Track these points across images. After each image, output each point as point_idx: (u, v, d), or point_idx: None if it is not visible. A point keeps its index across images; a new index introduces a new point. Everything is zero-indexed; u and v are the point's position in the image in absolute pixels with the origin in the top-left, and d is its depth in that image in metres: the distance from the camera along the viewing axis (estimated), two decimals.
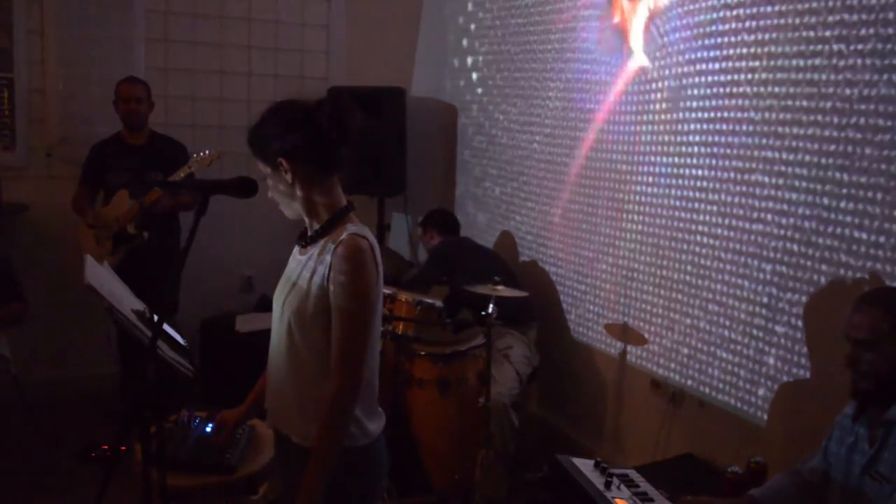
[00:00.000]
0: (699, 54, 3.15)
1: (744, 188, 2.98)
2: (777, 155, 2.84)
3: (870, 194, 2.52)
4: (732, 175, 3.03)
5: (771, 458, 2.67)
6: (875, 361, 1.92)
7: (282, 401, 1.94)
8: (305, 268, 1.86)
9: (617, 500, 2.43)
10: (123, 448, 3.30)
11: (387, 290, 3.56)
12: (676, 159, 3.30)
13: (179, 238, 4.06)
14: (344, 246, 1.79)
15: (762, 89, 2.88)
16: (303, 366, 1.86)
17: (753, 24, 2.91)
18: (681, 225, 3.29)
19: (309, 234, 1.91)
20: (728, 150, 3.04)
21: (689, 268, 3.26)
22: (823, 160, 2.67)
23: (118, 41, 4.43)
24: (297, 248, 1.95)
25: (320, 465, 1.78)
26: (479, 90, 4.73)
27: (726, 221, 3.06)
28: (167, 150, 4.02)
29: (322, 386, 1.81)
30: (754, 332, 2.96)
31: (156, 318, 2.29)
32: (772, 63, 2.84)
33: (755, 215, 2.94)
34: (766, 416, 2.92)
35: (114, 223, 3.81)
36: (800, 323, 2.78)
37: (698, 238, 3.20)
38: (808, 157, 2.73)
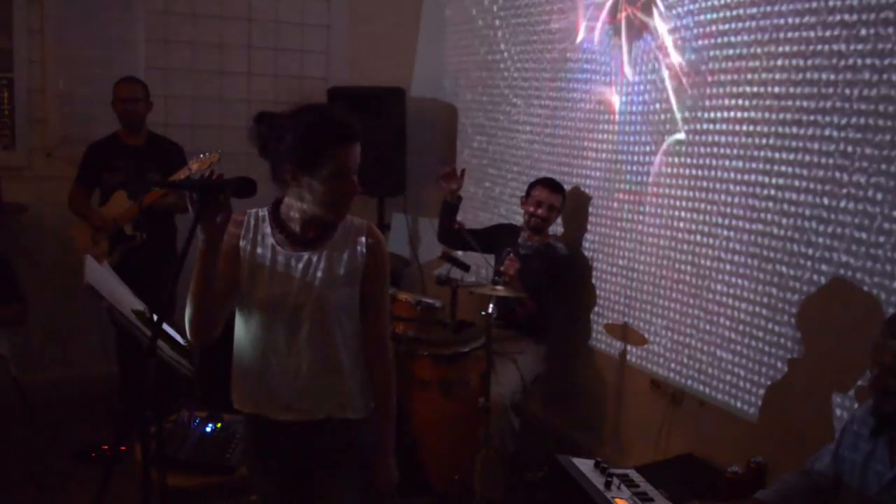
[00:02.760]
0: (699, 54, 3.15)
1: (744, 188, 2.98)
2: (777, 155, 2.84)
3: (870, 194, 2.52)
4: (732, 175, 3.03)
5: (771, 458, 2.67)
6: None
7: (303, 392, 1.97)
8: (329, 260, 1.94)
9: (617, 500, 2.43)
10: (123, 448, 3.30)
11: None
12: (676, 159, 3.30)
13: (176, 239, 4.06)
14: (376, 237, 2.02)
15: (762, 89, 2.88)
16: (343, 349, 1.97)
17: (753, 24, 2.91)
18: (681, 225, 3.29)
19: (308, 233, 1.96)
20: (728, 151, 3.04)
21: (689, 268, 3.26)
22: (823, 160, 2.67)
23: (118, 41, 4.44)
24: (280, 247, 1.96)
25: (390, 428, 2.07)
26: (479, 90, 4.73)
27: (726, 221, 3.06)
28: (164, 150, 4.01)
29: (357, 360, 2.01)
30: (754, 332, 2.96)
31: (155, 318, 2.30)
32: (772, 63, 2.84)
33: (755, 215, 2.94)
34: (766, 416, 2.92)
35: (111, 223, 3.81)
36: (800, 322, 2.78)
37: (698, 238, 3.20)
38: (808, 157, 2.73)
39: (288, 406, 1.98)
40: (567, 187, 3.88)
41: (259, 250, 1.96)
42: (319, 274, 1.94)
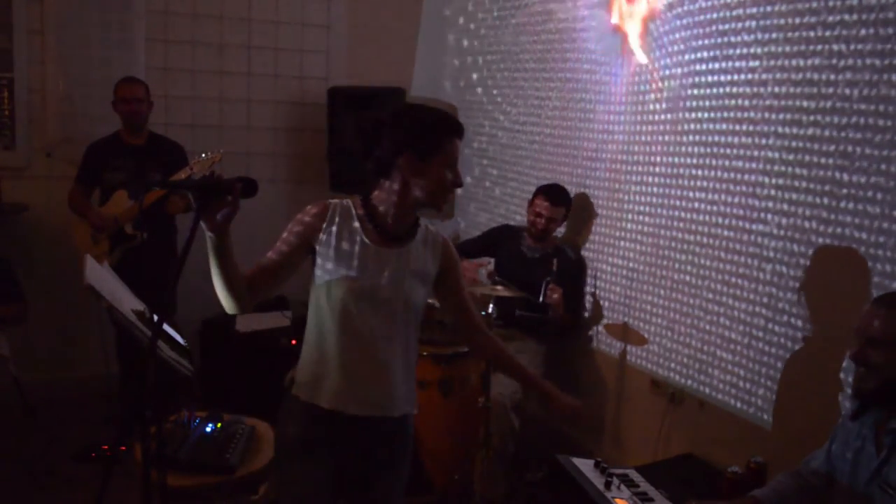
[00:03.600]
0: (699, 54, 3.15)
1: (744, 188, 2.98)
2: (777, 155, 2.84)
3: (870, 194, 2.52)
4: (732, 175, 3.03)
5: (771, 458, 2.67)
6: (883, 362, 1.89)
7: (388, 387, 2.02)
8: (412, 259, 2.02)
9: (617, 500, 2.43)
10: (123, 448, 3.30)
11: None
12: (676, 159, 3.30)
13: (176, 238, 4.06)
14: (448, 241, 2.13)
15: (762, 89, 2.88)
16: (415, 345, 2.09)
17: (753, 24, 2.91)
18: (681, 225, 3.29)
19: (400, 226, 2.02)
20: (728, 150, 3.04)
21: (689, 268, 3.26)
22: (823, 160, 2.68)
23: (118, 41, 4.43)
24: (370, 241, 1.98)
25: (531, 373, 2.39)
26: (479, 90, 4.73)
27: (726, 221, 3.07)
28: (165, 150, 4.02)
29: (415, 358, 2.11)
30: (754, 332, 2.96)
31: (155, 318, 2.30)
32: (772, 63, 2.84)
33: (755, 215, 2.94)
34: (766, 416, 2.92)
35: (112, 223, 3.81)
36: (800, 323, 2.78)
37: (698, 238, 3.20)
38: (808, 157, 2.73)
39: (373, 401, 2.01)
40: (568, 188, 3.89)
41: (346, 242, 1.97)
42: (408, 270, 2.00)
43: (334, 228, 1.98)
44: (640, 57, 3.47)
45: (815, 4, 2.69)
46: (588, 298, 3.84)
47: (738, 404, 3.04)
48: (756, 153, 2.92)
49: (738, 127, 2.99)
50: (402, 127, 1.95)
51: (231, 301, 1.92)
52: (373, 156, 1.97)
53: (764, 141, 2.89)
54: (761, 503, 2.15)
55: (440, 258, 2.09)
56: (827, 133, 2.66)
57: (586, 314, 3.84)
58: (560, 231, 3.99)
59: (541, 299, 3.44)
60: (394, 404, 2.04)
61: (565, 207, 3.72)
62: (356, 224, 1.99)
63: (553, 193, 3.70)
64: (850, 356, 1.98)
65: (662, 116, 3.36)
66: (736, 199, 3.02)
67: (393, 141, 1.94)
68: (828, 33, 2.64)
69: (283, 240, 1.99)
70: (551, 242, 3.76)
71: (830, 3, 2.63)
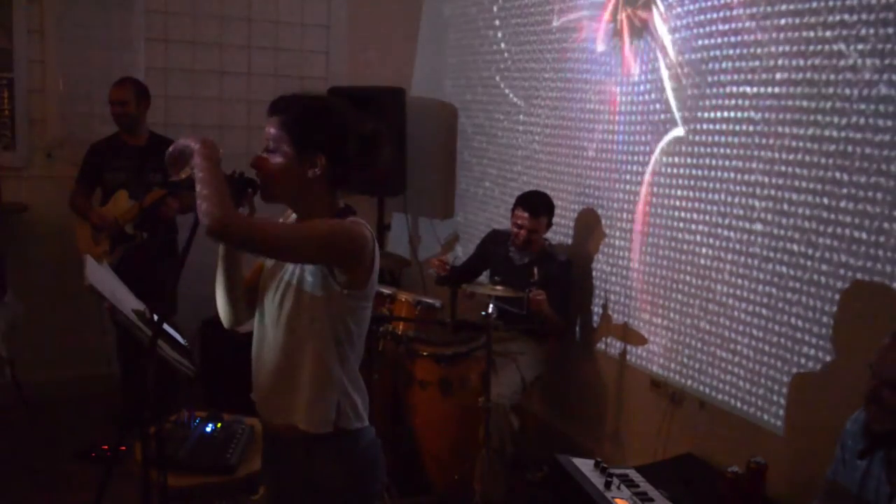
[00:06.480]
0: (699, 54, 3.15)
1: (744, 188, 2.98)
2: (777, 155, 2.84)
3: (870, 194, 2.52)
4: (732, 175, 3.03)
5: (771, 458, 2.67)
6: None
7: (287, 396, 1.90)
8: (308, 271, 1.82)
9: (617, 500, 2.43)
10: (123, 448, 3.30)
11: (387, 290, 3.57)
12: (676, 159, 3.30)
13: (177, 238, 4.07)
14: None
15: (762, 89, 2.88)
16: (313, 356, 1.84)
17: (753, 24, 2.91)
18: (681, 225, 3.29)
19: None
20: (728, 150, 3.04)
21: (689, 268, 3.26)
22: (823, 160, 2.68)
23: (118, 41, 4.44)
24: None
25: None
26: (479, 90, 4.73)
27: (726, 221, 3.07)
28: (165, 150, 4.00)
29: (330, 365, 1.83)
30: (754, 332, 2.96)
31: (156, 318, 2.30)
32: (772, 63, 2.84)
33: (755, 215, 2.94)
34: (766, 416, 2.92)
35: (112, 223, 3.81)
36: (800, 323, 2.78)
37: (698, 238, 3.20)
38: (808, 157, 2.73)
39: (259, 403, 1.99)
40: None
41: None
42: (304, 275, 1.83)
43: None
44: (640, 57, 3.47)
45: (815, 4, 2.69)
46: (597, 303, 3.82)
47: (738, 404, 3.04)
48: (756, 153, 2.92)
49: (738, 127, 2.99)
50: None
51: (229, 310, 1.95)
52: None
53: (764, 141, 2.89)
54: None
55: None
56: (827, 133, 2.66)
57: (595, 319, 3.84)
58: (562, 231, 3.99)
59: (525, 311, 3.39)
60: (271, 411, 1.93)
61: (547, 217, 3.64)
62: None
63: (533, 204, 3.61)
64: (864, 393, 1.87)
65: (662, 116, 3.36)
66: (736, 199, 3.02)
67: None
68: (828, 33, 2.64)
69: None
70: (539, 246, 3.71)
71: (830, 3, 2.63)
